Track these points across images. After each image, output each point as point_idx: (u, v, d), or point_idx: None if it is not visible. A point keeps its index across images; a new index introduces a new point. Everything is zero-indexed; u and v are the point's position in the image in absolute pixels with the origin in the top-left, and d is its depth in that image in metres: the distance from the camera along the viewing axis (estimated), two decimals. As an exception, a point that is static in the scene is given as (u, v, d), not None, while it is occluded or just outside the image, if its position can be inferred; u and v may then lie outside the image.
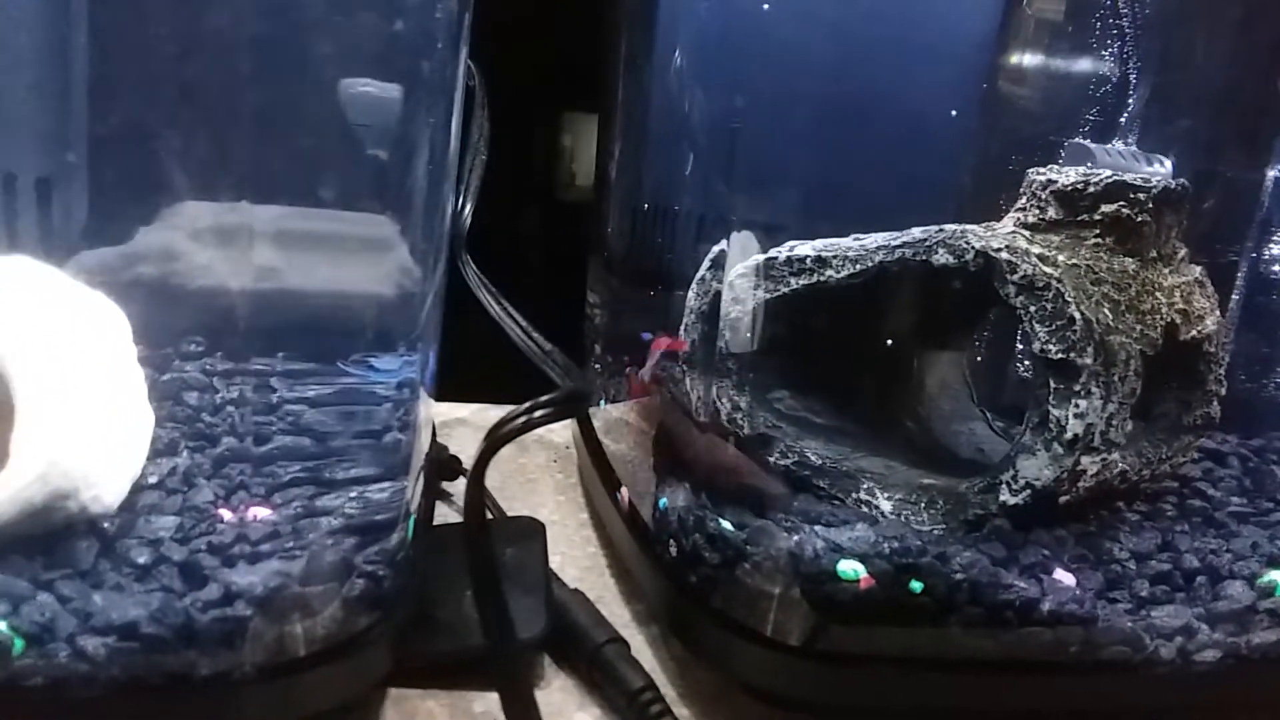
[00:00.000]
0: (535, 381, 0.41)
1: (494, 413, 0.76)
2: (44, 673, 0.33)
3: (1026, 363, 0.61)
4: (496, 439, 0.34)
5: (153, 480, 0.43)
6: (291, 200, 0.39)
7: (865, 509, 0.46)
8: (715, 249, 0.48)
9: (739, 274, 0.48)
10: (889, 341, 0.55)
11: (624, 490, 0.52)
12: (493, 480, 0.62)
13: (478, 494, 0.34)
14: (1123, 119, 0.62)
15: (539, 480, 0.67)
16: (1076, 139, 0.60)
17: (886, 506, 0.47)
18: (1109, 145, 0.60)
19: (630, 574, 0.53)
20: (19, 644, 0.33)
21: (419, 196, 0.37)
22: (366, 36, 0.37)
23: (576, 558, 0.56)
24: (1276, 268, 0.61)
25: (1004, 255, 0.43)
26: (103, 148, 0.51)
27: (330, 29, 0.36)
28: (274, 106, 0.36)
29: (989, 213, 0.52)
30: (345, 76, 0.36)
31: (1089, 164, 0.56)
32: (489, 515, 0.59)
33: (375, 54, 0.37)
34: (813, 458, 0.49)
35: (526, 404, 0.36)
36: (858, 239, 0.49)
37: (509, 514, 0.59)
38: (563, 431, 0.75)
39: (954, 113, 0.55)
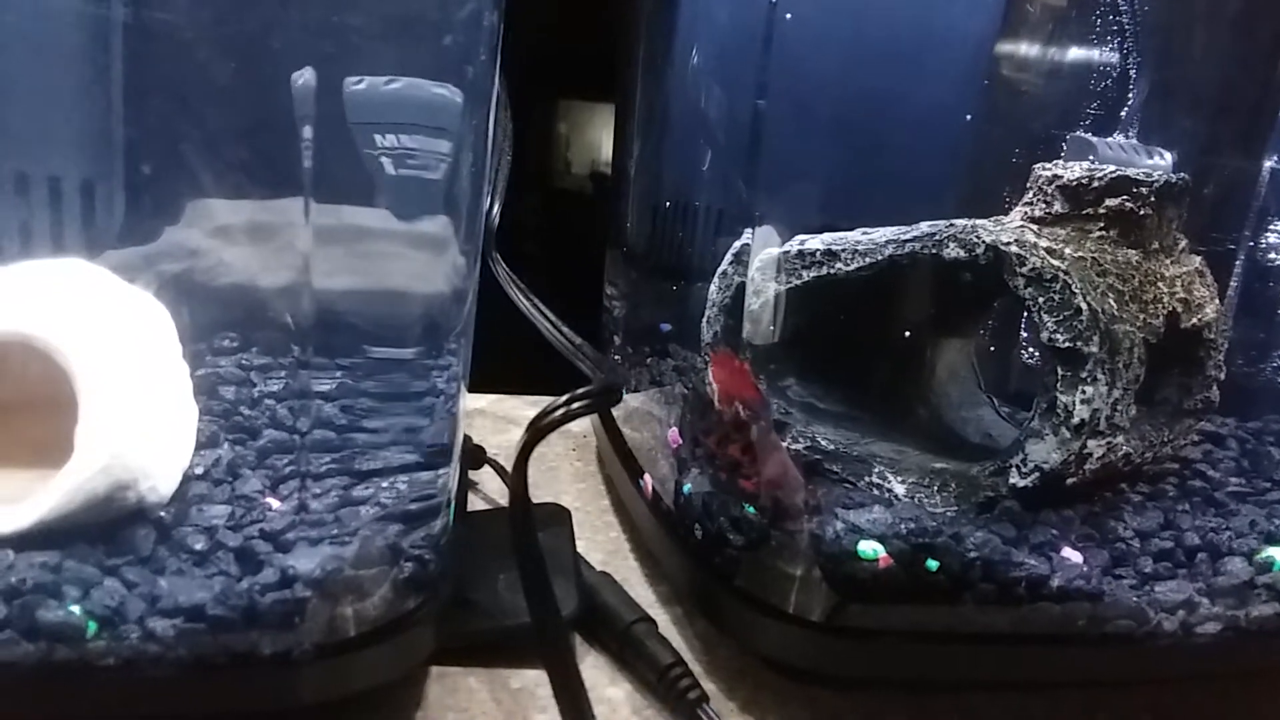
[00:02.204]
0: (550, 372, 0.43)
1: (509, 403, 0.79)
2: (115, 654, 0.35)
3: (1030, 351, 0.64)
4: (539, 429, 0.36)
5: (199, 471, 0.45)
6: (348, 200, 0.41)
7: (878, 492, 0.48)
8: (737, 243, 0.50)
9: (756, 267, 0.50)
10: (899, 331, 0.57)
11: (647, 477, 0.54)
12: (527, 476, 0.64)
13: (522, 481, 0.36)
14: (1123, 113, 0.64)
15: (559, 468, 0.69)
16: (1079, 133, 0.62)
17: (900, 490, 0.48)
18: (1110, 139, 0.61)
19: (654, 557, 0.55)
20: (92, 626, 0.35)
21: (467, 196, 0.39)
22: (418, 44, 0.39)
23: (600, 542, 0.58)
24: (1273, 256, 0.63)
25: (1013, 249, 0.45)
26: (140, 150, 0.53)
27: (380, 36, 0.38)
28: (330, 111, 0.38)
29: (995, 206, 0.54)
30: (400, 77, 0.38)
31: (1091, 157, 0.58)
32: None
33: (426, 62, 0.39)
34: (824, 443, 0.51)
35: (565, 396, 0.38)
36: (866, 233, 0.51)
37: (534, 501, 0.61)
38: (580, 421, 0.76)
39: (963, 112, 0.56)
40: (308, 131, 0.38)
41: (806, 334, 0.54)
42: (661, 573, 0.54)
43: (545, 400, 0.70)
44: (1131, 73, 0.64)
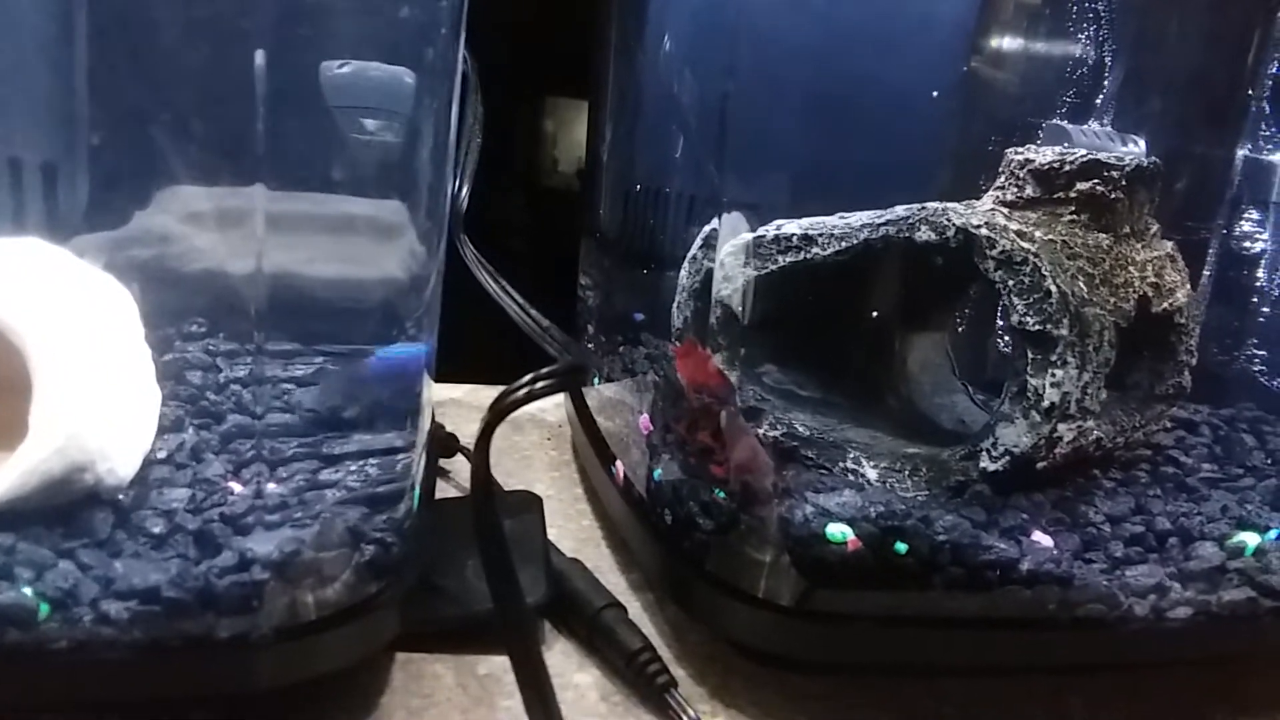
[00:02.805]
0: (526, 362, 0.42)
1: (485, 393, 0.78)
2: (68, 636, 0.34)
3: (1006, 338, 0.63)
4: (500, 409, 0.36)
5: (161, 455, 0.44)
6: (303, 185, 0.40)
7: (852, 478, 0.48)
8: (706, 229, 0.50)
9: (728, 252, 0.50)
10: (873, 317, 0.57)
11: (619, 464, 0.53)
12: (493, 456, 0.64)
13: (483, 463, 0.36)
14: (1098, 100, 0.64)
15: (534, 457, 0.68)
16: (1054, 120, 0.62)
17: (872, 475, 0.48)
18: (1085, 126, 0.61)
19: (626, 544, 0.55)
20: (44, 608, 0.34)
21: (425, 180, 0.39)
22: (374, 22, 0.38)
23: (572, 530, 0.58)
24: (1246, 244, 0.63)
25: (983, 231, 0.45)
26: (104, 132, 0.52)
27: (339, 15, 0.38)
28: (282, 92, 0.37)
29: (970, 192, 0.53)
30: (354, 60, 0.38)
31: (1065, 144, 0.58)
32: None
33: (383, 40, 0.38)
34: (800, 429, 0.51)
35: (528, 376, 0.37)
36: (843, 218, 0.50)
37: (506, 489, 0.60)
38: (555, 411, 0.76)
39: (935, 94, 0.56)
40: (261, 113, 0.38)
41: (784, 320, 0.54)
42: (633, 560, 0.54)
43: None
44: (1107, 60, 0.64)
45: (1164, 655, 0.46)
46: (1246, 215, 0.63)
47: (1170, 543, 0.46)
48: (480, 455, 0.36)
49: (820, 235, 0.50)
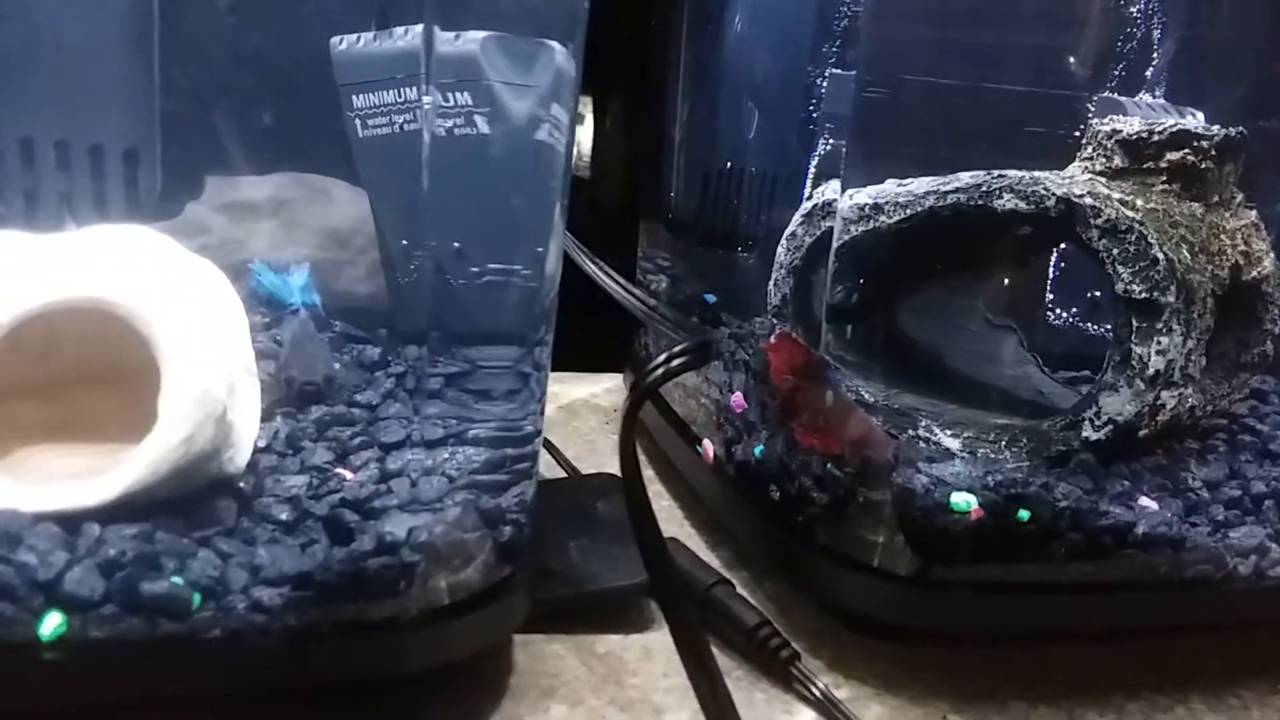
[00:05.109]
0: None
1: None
2: (221, 625, 0.34)
3: (1057, 311, 0.64)
4: (644, 388, 0.36)
5: (262, 444, 0.43)
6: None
7: (925, 445, 0.48)
8: (807, 204, 0.50)
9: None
10: (938, 285, 0.57)
11: (707, 442, 0.53)
12: (556, 442, 0.64)
13: (630, 441, 0.35)
14: (1148, 73, 0.64)
15: (596, 441, 0.68)
16: (1105, 93, 0.62)
17: (953, 444, 0.48)
18: (1138, 98, 0.62)
19: (713, 523, 0.55)
20: (196, 598, 0.34)
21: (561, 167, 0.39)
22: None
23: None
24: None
25: (1087, 200, 0.45)
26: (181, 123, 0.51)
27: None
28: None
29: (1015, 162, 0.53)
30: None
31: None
32: (565, 474, 0.60)
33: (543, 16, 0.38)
34: (866, 395, 0.50)
35: (663, 355, 0.37)
36: (902, 184, 0.50)
37: (582, 472, 0.60)
38: (606, 396, 0.76)
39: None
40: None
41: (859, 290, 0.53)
42: (722, 537, 0.54)
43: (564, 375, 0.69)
44: (1156, 32, 0.64)
45: (1264, 614, 0.46)
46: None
47: (1266, 505, 0.47)
48: (626, 432, 0.36)
49: (886, 203, 0.50)
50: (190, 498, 0.38)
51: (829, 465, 0.44)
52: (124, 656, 0.33)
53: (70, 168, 0.48)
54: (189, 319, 0.39)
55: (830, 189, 0.49)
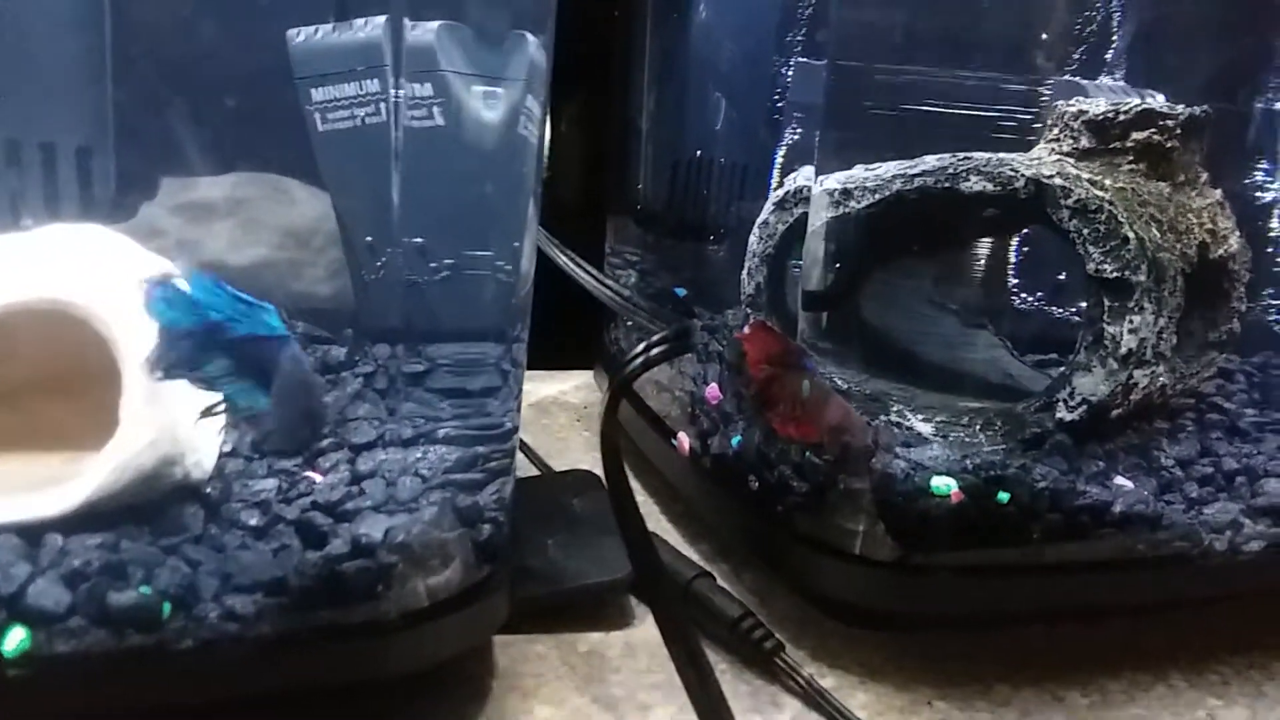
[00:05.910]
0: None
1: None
2: (193, 635, 0.33)
3: (1022, 295, 0.64)
4: (625, 377, 0.35)
5: (227, 448, 0.42)
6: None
7: (898, 430, 0.47)
8: (779, 191, 0.49)
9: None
10: (905, 268, 0.56)
11: (682, 435, 0.53)
12: (528, 440, 0.63)
13: (613, 434, 0.35)
14: (1108, 55, 0.65)
15: (568, 438, 0.67)
16: (1065, 76, 0.62)
17: (925, 429, 0.48)
18: (1098, 81, 0.62)
19: (689, 517, 0.55)
20: (166, 608, 0.33)
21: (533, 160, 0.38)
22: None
23: (629, 507, 0.57)
24: (1258, 194, 0.65)
25: (1057, 181, 0.45)
26: (135, 120, 0.50)
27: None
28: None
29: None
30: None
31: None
32: (538, 472, 0.59)
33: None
34: (840, 381, 0.50)
35: (641, 345, 0.36)
36: (870, 169, 0.50)
37: (555, 469, 0.59)
38: (576, 393, 0.75)
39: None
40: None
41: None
42: (700, 531, 0.53)
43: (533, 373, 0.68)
44: (1115, 14, 0.64)
45: (1239, 588, 0.47)
46: (1258, 165, 0.64)
47: (1238, 481, 0.47)
48: (609, 425, 0.35)
49: (855, 188, 0.50)
50: (155, 505, 0.37)
51: (808, 453, 0.44)
52: (93, 670, 0.32)
53: (21, 165, 0.46)
54: (150, 322, 0.38)
55: (803, 175, 0.48)
